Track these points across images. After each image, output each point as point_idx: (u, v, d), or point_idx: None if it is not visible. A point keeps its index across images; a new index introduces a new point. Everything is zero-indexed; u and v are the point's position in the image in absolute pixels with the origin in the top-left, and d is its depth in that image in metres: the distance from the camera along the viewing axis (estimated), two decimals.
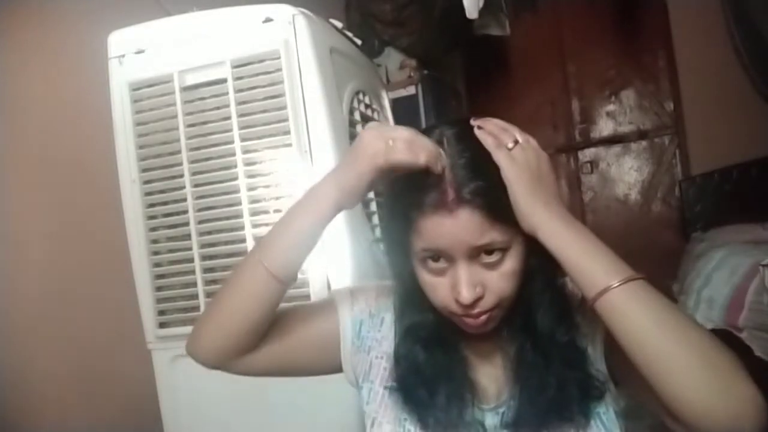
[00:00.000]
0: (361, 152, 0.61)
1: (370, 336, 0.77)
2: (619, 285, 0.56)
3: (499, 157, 0.61)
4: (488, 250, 0.61)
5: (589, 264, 0.58)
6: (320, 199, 0.65)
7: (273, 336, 0.72)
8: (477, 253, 0.61)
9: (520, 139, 0.62)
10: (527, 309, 0.67)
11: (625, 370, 0.63)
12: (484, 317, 0.64)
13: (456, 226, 0.59)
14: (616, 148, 3.69)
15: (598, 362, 0.68)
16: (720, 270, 2.25)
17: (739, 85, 3.18)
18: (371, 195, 1.40)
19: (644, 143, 3.62)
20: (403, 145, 0.59)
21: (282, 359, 0.74)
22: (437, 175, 0.60)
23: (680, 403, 0.53)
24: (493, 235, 0.60)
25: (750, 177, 3.11)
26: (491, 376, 0.72)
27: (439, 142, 0.63)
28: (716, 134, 3.26)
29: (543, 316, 0.66)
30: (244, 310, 0.68)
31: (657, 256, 3.33)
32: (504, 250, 0.62)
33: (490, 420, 0.70)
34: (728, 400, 0.51)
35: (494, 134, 0.63)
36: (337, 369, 0.78)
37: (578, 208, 3.73)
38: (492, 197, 0.60)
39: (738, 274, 2.11)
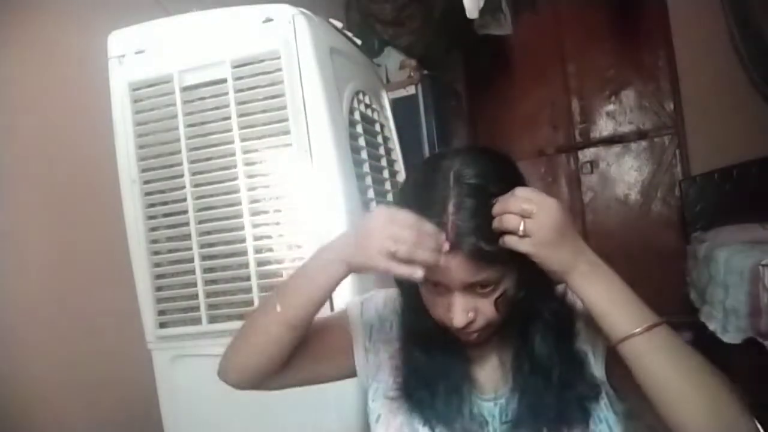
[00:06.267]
0: (369, 243, 0.62)
1: (381, 338, 0.83)
2: (642, 333, 0.60)
3: (515, 246, 0.61)
4: (482, 284, 0.66)
5: (613, 310, 0.62)
6: (330, 270, 0.68)
7: (295, 356, 0.77)
8: (472, 286, 0.66)
9: (526, 208, 0.60)
10: (522, 323, 0.72)
11: (625, 389, 0.69)
12: (475, 335, 0.70)
13: (452, 267, 0.64)
14: (616, 148, 3.68)
15: (596, 368, 0.72)
16: (730, 276, 2.21)
17: (739, 85, 3.17)
18: (371, 195, 1.40)
19: (644, 143, 3.62)
20: (405, 254, 0.59)
21: (305, 373, 0.81)
22: (438, 220, 0.63)
23: None
24: (487, 274, 0.65)
25: (750, 177, 3.10)
26: (488, 373, 0.78)
27: (445, 180, 0.65)
28: (716, 134, 3.25)
29: (540, 342, 0.71)
30: (265, 349, 0.74)
31: (657, 256, 3.33)
32: (497, 282, 0.66)
33: (489, 412, 0.75)
34: None
35: (501, 224, 0.62)
36: (354, 373, 0.85)
37: (578, 208, 3.72)
38: (487, 243, 0.63)
39: (745, 278, 2.10)
